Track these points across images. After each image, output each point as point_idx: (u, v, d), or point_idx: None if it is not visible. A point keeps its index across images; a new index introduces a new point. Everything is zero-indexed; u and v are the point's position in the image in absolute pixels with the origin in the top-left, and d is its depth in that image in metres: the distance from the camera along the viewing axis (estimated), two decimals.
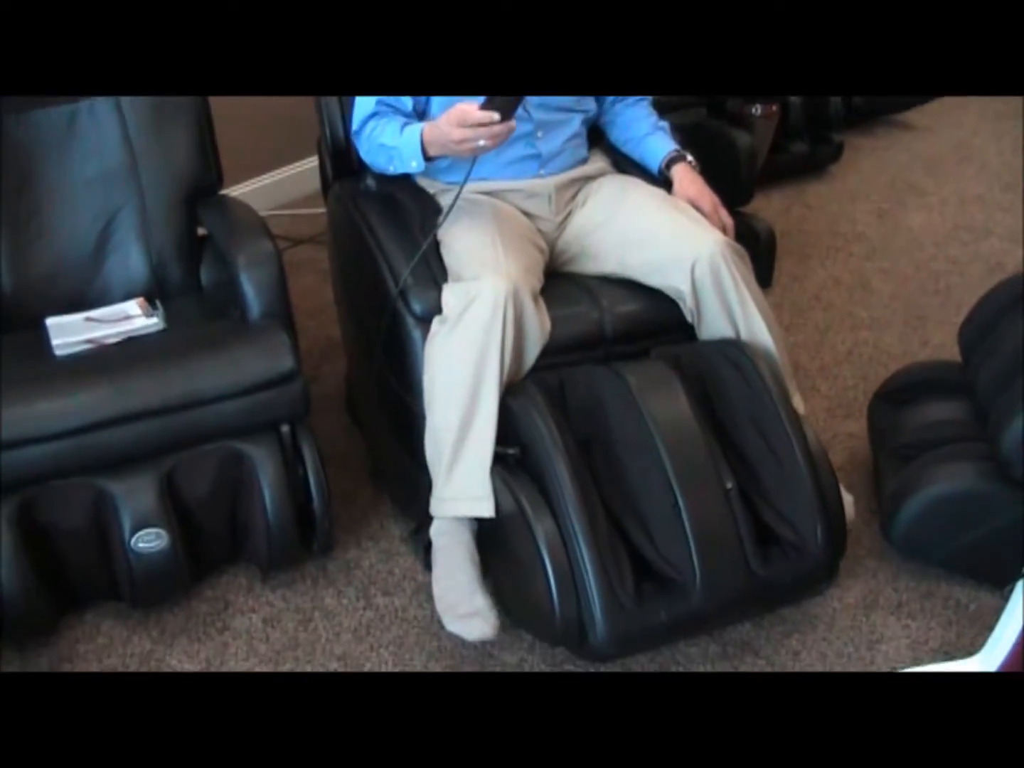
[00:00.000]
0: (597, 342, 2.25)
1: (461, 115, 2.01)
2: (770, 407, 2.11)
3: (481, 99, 1.99)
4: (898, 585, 2.38)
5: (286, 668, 2.20)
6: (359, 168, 2.49)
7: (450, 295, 2.13)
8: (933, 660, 2.19)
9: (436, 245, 2.28)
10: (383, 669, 2.19)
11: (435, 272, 2.22)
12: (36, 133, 2.41)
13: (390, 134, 2.23)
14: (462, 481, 2.13)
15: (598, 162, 2.48)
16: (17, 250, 2.39)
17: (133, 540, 2.14)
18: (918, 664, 2.14)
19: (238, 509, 2.27)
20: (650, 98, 2.55)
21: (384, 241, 2.32)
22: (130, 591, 2.22)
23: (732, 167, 3.13)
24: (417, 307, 2.20)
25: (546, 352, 2.17)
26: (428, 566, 2.24)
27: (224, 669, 2.20)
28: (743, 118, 3.35)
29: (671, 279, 2.22)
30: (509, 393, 2.10)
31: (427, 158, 2.18)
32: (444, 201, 2.34)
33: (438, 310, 2.16)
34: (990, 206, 3.91)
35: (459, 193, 2.17)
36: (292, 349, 2.21)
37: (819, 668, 2.19)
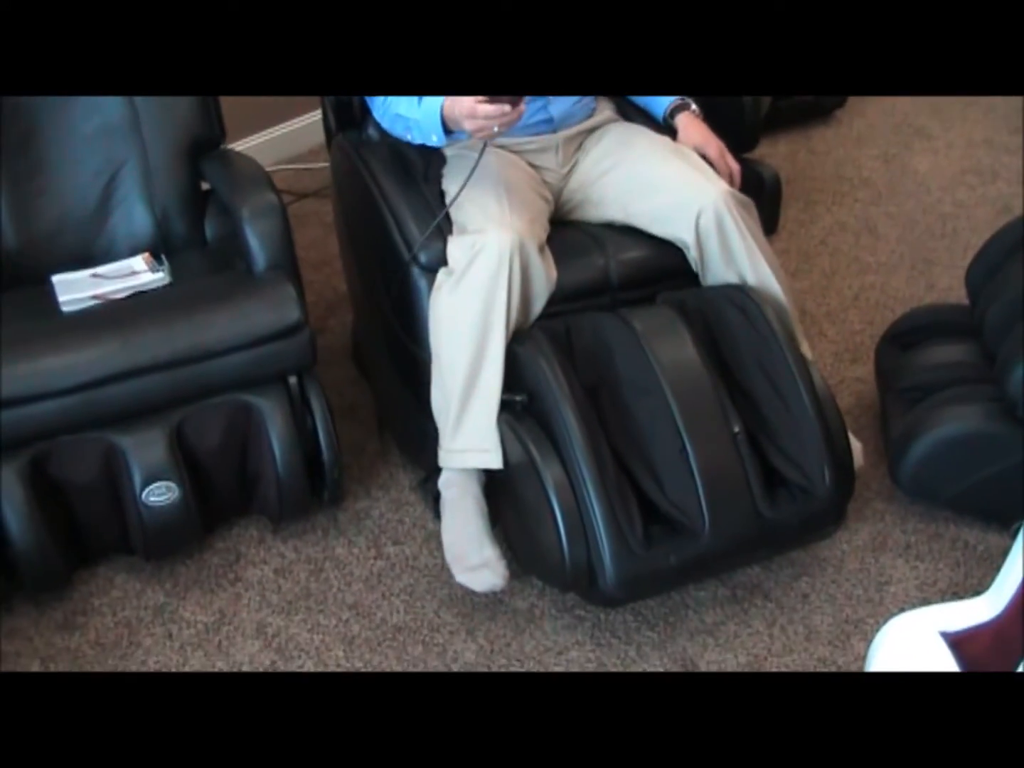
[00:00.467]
0: (603, 289, 2.25)
1: (470, 110, 2.00)
2: (776, 350, 2.11)
3: None
4: (906, 527, 2.39)
5: (298, 618, 2.22)
6: (362, 119, 2.48)
7: (455, 248, 2.13)
8: (941, 600, 2.20)
9: (441, 195, 2.28)
10: (395, 617, 2.21)
11: (441, 223, 2.22)
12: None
13: (407, 105, 2.19)
14: (470, 433, 2.14)
15: (604, 111, 2.47)
16: (21, 207, 2.39)
17: (144, 493, 2.15)
18: (927, 604, 2.15)
19: (248, 461, 2.28)
20: None
21: (388, 191, 2.31)
22: (142, 544, 2.24)
23: (736, 113, 3.11)
24: (423, 257, 2.19)
25: (552, 300, 2.17)
26: (438, 515, 2.26)
27: (237, 620, 2.22)
28: None
29: (675, 228, 2.22)
30: (516, 340, 2.10)
31: (448, 133, 2.14)
32: (450, 152, 2.33)
33: (444, 261, 2.15)
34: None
35: (477, 162, 2.14)
36: (298, 300, 2.21)
37: (828, 610, 2.20)
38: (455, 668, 2.13)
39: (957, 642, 1.60)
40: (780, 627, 2.18)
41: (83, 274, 2.35)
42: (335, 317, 3.05)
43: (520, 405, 2.08)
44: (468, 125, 2.03)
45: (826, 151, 3.86)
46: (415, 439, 2.21)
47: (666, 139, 2.38)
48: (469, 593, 2.21)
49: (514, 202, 2.15)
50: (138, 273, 2.34)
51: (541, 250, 2.16)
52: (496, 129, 2.02)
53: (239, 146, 3.41)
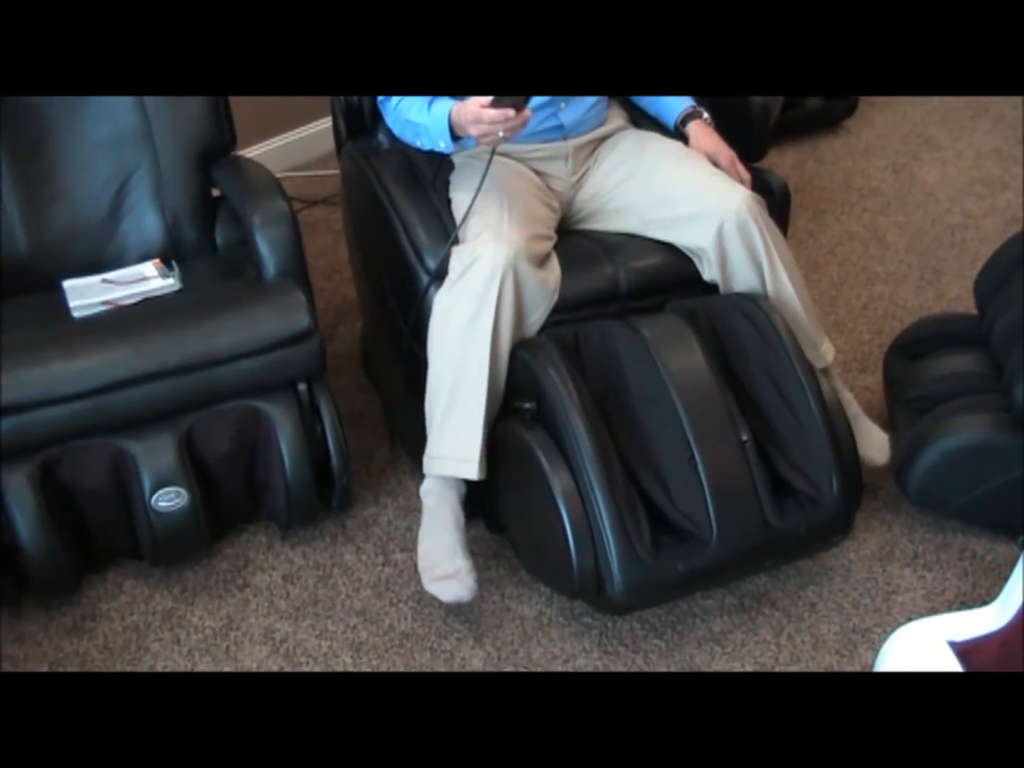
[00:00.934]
0: (612, 297, 2.25)
1: (475, 116, 2.01)
2: (785, 359, 2.12)
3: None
4: (914, 536, 2.38)
5: (306, 624, 2.22)
6: (372, 126, 2.49)
7: (454, 256, 2.14)
8: (949, 610, 2.20)
9: (449, 203, 2.29)
10: (402, 624, 2.22)
11: (448, 229, 2.22)
12: (50, 97, 2.40)
13: (416, 111, 2.20)
14: (450, 440, 2.15)
15: (616, 120, 2.47)
16: (33, 213, 2.40)
17: (153, 499, 2.16)
18: (934, 614, 2.15)
19: (257, 467, 2.29)
20: None
21: (397, 198, 2.32)
22: (151, 549, 2.24)
23: (745, 122, 3.10)
24: (430, 263, 2.20)
25: (561, 308, 2.18)
26: None
27: (245, 625, 2.22)
28: None
29: (694, 236, 2.23)
30: (524, 348, 2.11)
31: (455, 139, 2.15)
32: (458, 159, 2.34)
33: None
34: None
35: (486, 171, 2.15)
36: (308, 307, 2.22)
37: (836, 619, 2.20)
38: None
39: (964, 651, 1.61)
40: (787, 636, 2.18)
41: (94, 280, 2.36)
42: (344, 324, 3.05)
43: (529, 413, 2.08)
44: (474, 130, 2.04)
45: (835, 161, 3.86)
46: (423, 446, 2.21)
47: (680, 145, 2.39)
48: (476, 600, 2.21)
49: (515, 216, 2.15)
50: (148, 279, 2.35)
51: (543, 262, 2.18)
52: (502, 134, 2.02)
53: (249, 153, 3.42)
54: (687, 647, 2.17)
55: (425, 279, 2.20)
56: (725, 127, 2.46)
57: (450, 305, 2.11)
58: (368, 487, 2.53)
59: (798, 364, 2.12)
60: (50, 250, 2.42)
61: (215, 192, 2.54)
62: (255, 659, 2.16)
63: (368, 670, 2.14)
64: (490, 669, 2.14)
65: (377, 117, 2.43)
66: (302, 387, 2.26)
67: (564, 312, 2.18)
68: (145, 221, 2.48)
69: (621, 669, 2.13)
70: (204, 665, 2.16)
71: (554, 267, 2.20)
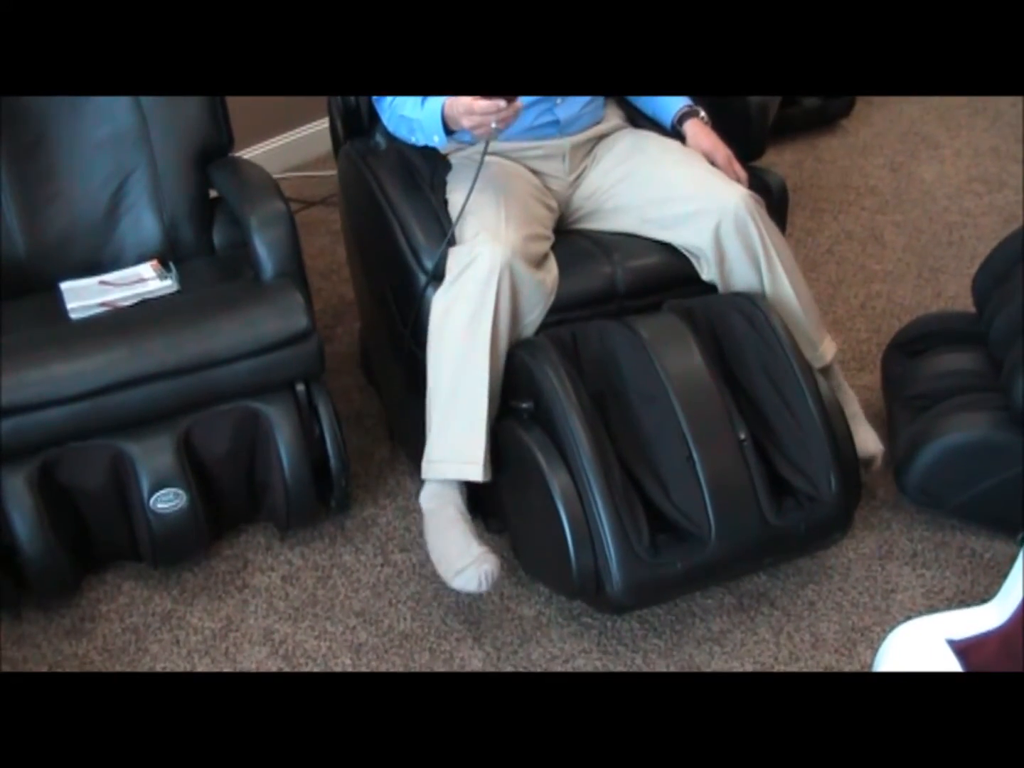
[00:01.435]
0: (610, 297, 2.25)
1: (467, 107, 2.01)
2: (782, 358, 2.12)
3: None
4: (913, 535, 2.39)
5: (305, 625, 2.22)
6: (369, 127, 2.49)
7: (451, 257, 2.14)
8: (948, 608, 2.20)
9: (446, 203, 2.29)
10: (402, 625, 2.22)
11: (446, 229, 2.22)
12: (47, 97, 2.40)
13: (411, 106, 2.21)
14: (452, 442, 2.15)
15: (613, 119, 2.47)
16: (30, 214, 2.40)
17: (152, 500, 2.16)
18: (933, 612, 2.15)
19: (255, 468, 2.29)
20: None
21: (395, 199, 2.32)
22: (150, 551, 2.24)
23: (743, 121, 3.10)
24: (428, 263, 2.20)
25: (559, 308, 2.18)
26: None
27: (244, 627, 2.22)
28: None
29: (692, 235, 2.23)
30: (522, 348, 2.11)
31: (449, 133, 2.15)
32: (455, 159, 2.34)
33: None
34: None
35: (478, 170, 2.14)
36: (306, 307, 2.22)
37: (835, 618, 2.20)
38: None
39: (964, 650, 1.61)
40: (787, 635, 2.18)
41: (91, 281, 2.36)
42: (343, 325, 3.05)
43: (526, 413, 2.08)
44: (466, 122, 2.04)
45: (832, 159, 3.86)
46: (423, 447, 2.21)
47: (678, 144, 2.39)
48: (476, 600, 2.22)
49: (512, 215, 2.15)
50: (146, 280, 2.35)
51: (540, 262, 2.18)
52: (494, 126, 2.02)
53: (247, 154, 3.42)
54: (686, 646, 2.17)
55: (423, 279, 2.20)
56: (723, 126, 2.46)
57: (448, 306, 2.11)
58: (367, 488, 2.53)
59: (796, 363, 2.12)
60: (48, 252, 2.41)
61: (213, 193, 2.54)
62: (254, 660, 2.16)
63: (367, 671, 2.14)
64: (489, 669, 2.14)
65: (374, 118, 2.43)
66: (300, 388, 2.26)
67: (562, 311, 2.18)
68: (143, 222, 2.48)
69: (621, 669, 2.13)
70: (203, 666, 2.16)
71: (551, 267, 2.20)
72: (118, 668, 2.16)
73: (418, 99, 2.19)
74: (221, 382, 2.17)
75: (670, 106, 2.45)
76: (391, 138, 2.39)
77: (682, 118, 2.43)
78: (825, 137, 4.01)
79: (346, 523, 2.45)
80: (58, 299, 2.30)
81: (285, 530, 2.40)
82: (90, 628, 2.24)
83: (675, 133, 2.44)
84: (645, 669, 2.13)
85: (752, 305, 2.18)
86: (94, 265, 2.43)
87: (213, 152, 2.52)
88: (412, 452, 2.52)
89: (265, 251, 2.28)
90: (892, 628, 1.72)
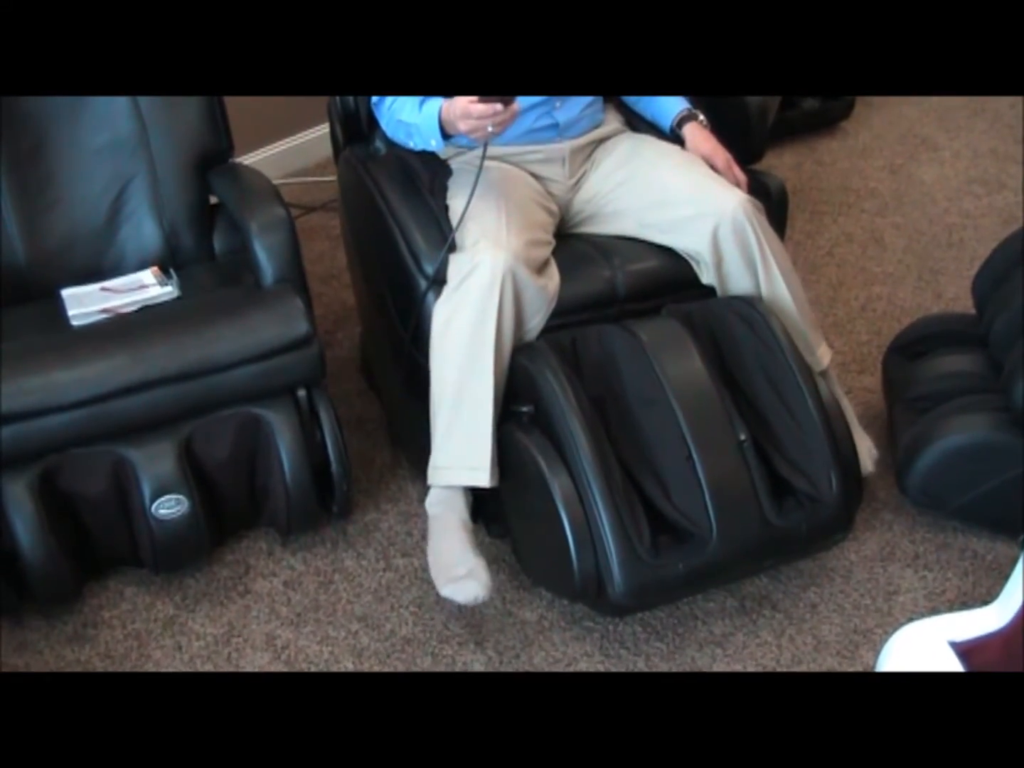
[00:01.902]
0: (610, 301, 2.26)
1: (464, 110, 2.01)
2: (782, 360, 2.12)
3: None
4: (914, 537, 2.39)
5: (307, 630, 2.22)
6: (369, 132, 2.50)
7: (453, 264, 2.14)
8: (950, 610, 2.20)
9: (446, 209, 2.29)
10: (404, 629, 2.22)
11: (446, 234, 2.22)
12: (47, 103, 2.40)
13: (408, 110, 2.21)
14: (458, 449, 2.15)
15: (612, 122, 2.47)
16: (31, 221, 2.40)
17: (154, 506, 2.16)
18: (935, 614, 2.15)
19: (257, 473, 2.29)
20: None
21: (395, 204, 2.32)
22: (152, 557, 2.24)
23: (743, 124, 3.10)
24: (428, 268, 2.20)
25: (559, 312, 2.18)
26: None
27: (246, 632, 2.22)
28: None
29: (691, 239, 2.23)
30: (522, 353, 2.11)
31: (446, 137, 2.16)
32: (455, 164, 2.35)
33: None
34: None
35: (478, 176, 2.15)
36: (307, 313, 2.22)
37: (837, 620, 2.20)
38: None
39: (966, 652, 1.61)
40: (789, 637, 2.18)
41: (92, 288, 2.36)
42: (343, 330, 3.05)
43: (527, 416, 2.08)
44: (463, 126, 2.04)
45: (832, 162, 3.86)
46: (424, 452, 2.21)
47: (677, 148, 2.39)
48: (478, 605, 2.21)
49: (513, 221, 2.15)
50: (147, 287, 2.35)
51: (541, 267, 2.18)
52: (491, 129, 2.02)
53: (247, 159, 3.42)
54: (688, 649, 2.17)
55: (423, 284, 2.20)
56: (722, 129, 2.46)
57: (451, 314, 2.11)
58: (368, 493, 2.53)
59: (795, 365, 2.13)
60: (48, 258, 2.42)
61: (213, 199, 2.54)
62: (256, 666, 2.16)
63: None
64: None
65: (374, 123, 2.44)
66: (301, 393, 2.26)
67: (562, 315, 2.19)
68: (143, 228, 2.48)
69: (623, 672, 2.13)
70: (205, 672, 2.16)
71: (553, 273, 2.20)
72: None
73: (415, 103, 2.19)
74: (222, 388, 2.17)
75: (669, 109, 2.45)
76: (391, 143, 2.39)
77: (681, 121, 2.43)
78: (824, 139, 4.02)
79: (348, 528, 2.45)
80: (59, 306, 2.30)
81: (287, 535, 2.40)
82: (92, 634, 2.24)
83: (674, 136, 2.44)
84: (647, 672, 2.13)
85: (750, 308, 2.18)
86: (95, 271, 2.43)
87: (213, 158, 2.52)
88: (413, 457, 2.53)
89: (265, 257, 2.28)
90: (894, 630, 1.72)
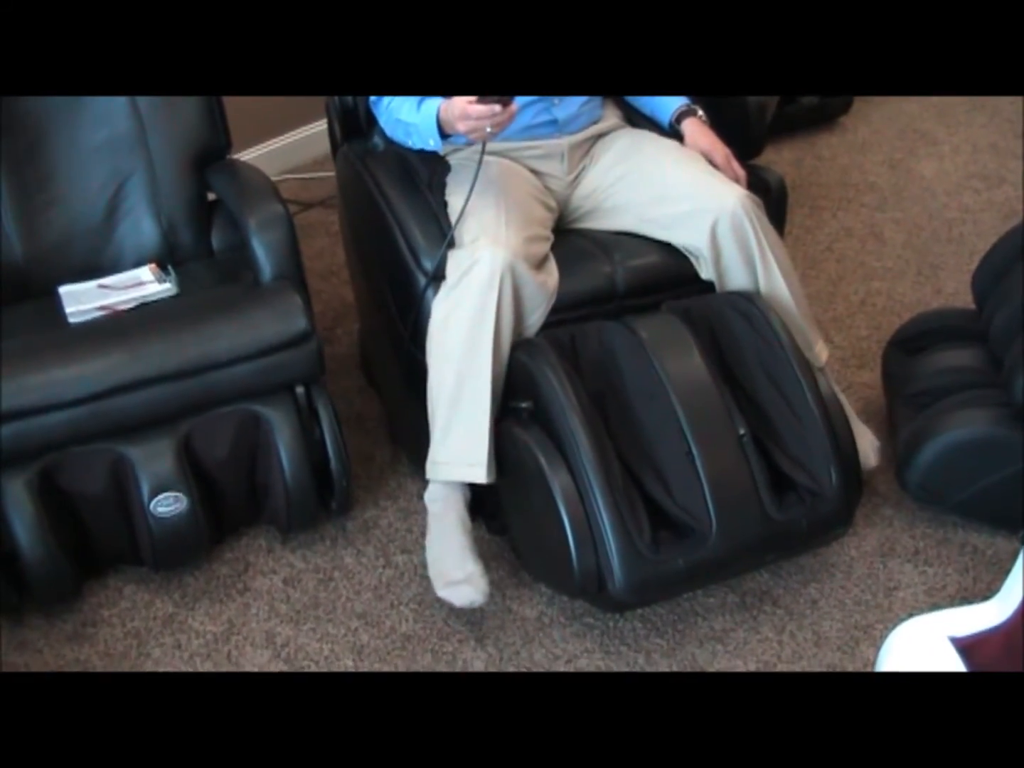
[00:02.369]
0: (609, 297, 2.25)
1: (462, 111, 2.01)
2: (781, 355, 2.12)
3: None
4: (914, 532, 2.38)
5: (307, 627, 2.22)
6: (367, 128, 2.49)
7: (451, 260, 2.14)
8: (950, 605, 2.19)
9: (445, 205, 2.28)
10: (404, 626, 2.21)
11: (445, 230, 2.22)
12: (45, 102, 2.39)
13: (407, 110, 2.21)
14: (456, 445, 2.15)
15: (611, 118, 2.47)
16: (28, 218, 2.39)
17: (153, 504, 2.16)
18: (935, 609, 2.14)
19: (256, 471, 2.29)
20: None
21: (394, 200, 2.32)
22: (151, 555, 2.24)
23: (742, 119, 3.10)
24: (427, 264, 2.20)
25: (559, 308, 2.18)
26: None
27: (246, 630, 2.22)
28: None
29: (690, 235, 2.23)
30: (521, 350, 2.11)
31: (444, 136, 2.16)
32: (453, 160, 2.34)
33: None
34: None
35: (477, 172, 2.14)
36: (305, 310, 2.22)
37: (837, 616, 2.20)
38: None
39: (967, 647, 1.60)
40: (789, 633, 2.18)
41: (90, 285, 2.36)
42: (342, 326, 3.05)
43: (526, 413, 2.08)
44: (461, 126, 2.04)
45: (831, 157, 3.86)
46: (423, 448, 2.21)
47: (676, 144, 2.39)
48: None
49: (512, 217, 2.15)
50: (145, 284, 2.35)
51: (541, 263, 2.18)
52: (489, 130, 2.02)
53: (245, 156, 3.41)
54: (689, 646, 2.16)
55: (422, 281, 2.20)
56: (721, 124, 2.46)
57: (449, 310, 2.11)
58: (368, 489, 2.53)
59: (794, 359, 2.12)
60: (46, 256, 2.41)
61: (211, 196, 2.54)
62: (256, 664, 2.16)
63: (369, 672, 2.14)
64: (492, 671, 2.13)
65: (372, 119, 2.43)
66: (300, 390, 2.26)
67: (562, 311, 2.18)
68: (141, 225, 2.48)
69: (623, 669, 2.13)
70: (205, 670, 2.16)
71: (552, 269, 2.20)
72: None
73: (414, 103, 2.19)
74: (221, 385, 2.17)
75: (668, 105, 2.45)
76: (389, 140, 2.38)
77: (680, 117, 2.43)
78: (824, 135, 4.01)
79: (347, 525, 2.45)
80: (57, 303, 2.30)
81: (286, 533, 2.40)
82: (91, 633, 2.23)
83: (673, 132, 2.43)
84: (648, 669, 2.12)
85: (749, 303, 2.18)
86: (93, 269, 2.42)
87: (211, 155, 2.51)
88: (413, 453, 2.53)
89: (264, 254, 2.27)
90: (894, 626, 1.71)
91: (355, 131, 2.53)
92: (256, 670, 2.15)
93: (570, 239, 2.32)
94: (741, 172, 2.37)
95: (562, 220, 2.39)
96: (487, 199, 2.16)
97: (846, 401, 2.41)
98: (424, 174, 2.34)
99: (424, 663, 2.15)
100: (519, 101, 2.03)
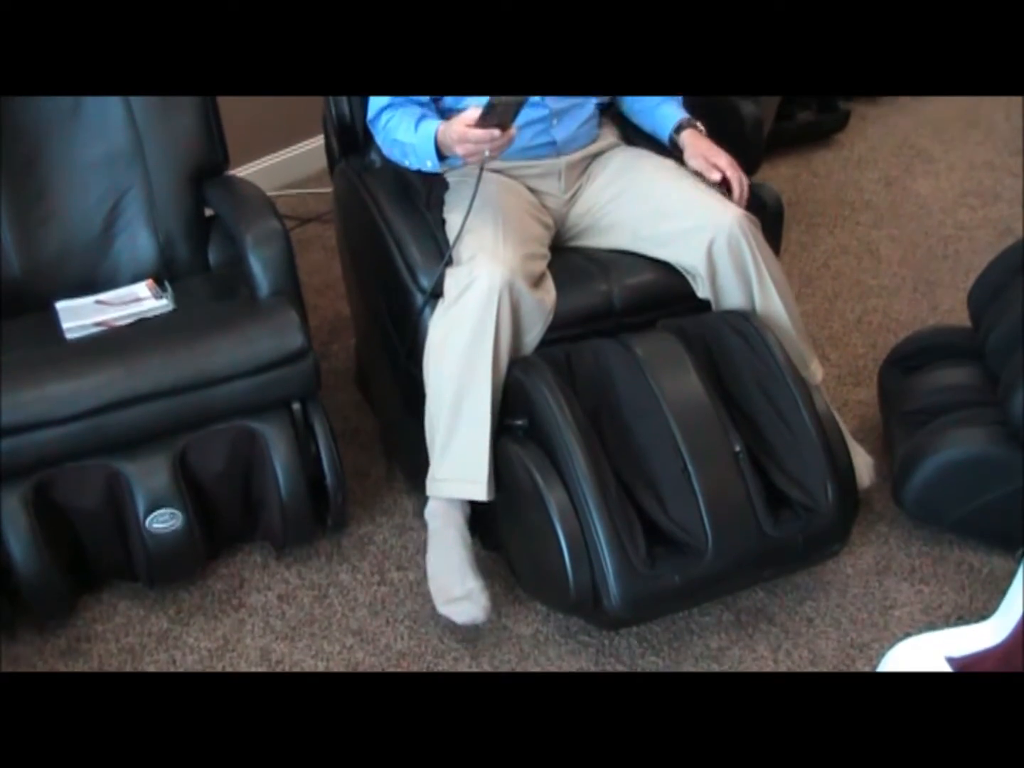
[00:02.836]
0: (606, 314, 2.25)
1: (461, 135, 2.02)
2: (776, 372, 2.12)
3: (482, 101, 1.98)
4: (911, 550, 2.38)
5: (302, 644, 2.21)
6: (365, 144, 2.50)
7: (450, 278, 2.14)
8: (947, 624, 2.20)
9: (443, 223, 2.28)
10: (399, 643, 2.21)
11: (443, 248, 2.22)
12: (42, 116, 2.40)
13: (404, 130, 2.21)
14: (456, 462, 2.15)
15: (608, 137, 2.48)
16: (25, 233, 2.39)
17: (148, 520, 2.15)
18: (932, 628, 2.14)
19: (251, 487, 2.28)
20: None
21: (391, 217, 2.32)
22: (146, 571, 2.23)
23: (739, 136, 3.11)
24: (424, 282, 2.20)
25: (556, 325, 2.18)
26: None
27: (241, 646, 2.21)
28: None
29: (686, 253, 2.23)
30: (517, 367, 2.11)
31: (441, 158, 2.16)
32: (451, 178, 2.34)
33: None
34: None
35: (475, 190, 2.14)
36: (302, 326, 2.21)
37: (833, 635, 2.20)
38: None
39: (963, 667, 1.60)
40: (785, 652, 2.17)
41: (87, 300, 2.36)
42: (338, 341, 3.05)
43: (521, 430, 2.08)
44: (459, 150, 2.05)
45: (827, 174, 3.87)
46: (419, 464, 2.21)
47: (673, 162, 2.39)
48: None
49: (510, 235, 2.15)
50: (142, 300, 2.35)
51: (537, 281, 2.18)
52: (487, 154, 2.03)
53: (242, 171, 3.42)
54: (684, 664, 2.16)
55: (419, 299, 2.20)
56: (718, 141, 2.46)
57: (448, 328, 2.11)
58: (363, 505, 2.53)
59: (789, 377, 2.13)
60: (43, 271, 2.41)
61: (208, 211, 2.54)
62: None
63: None
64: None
65: (370, 136, 2.43)
66: (296, 406, 2.25)
67: (558, 329, 2.18)
68: (138, 241, 2.48)
69: (618, 674, 2.12)
70: None
71: (549, 287, 2.20)
72: None
73: (412, 123, 2.19)
74: (217, 401, 2.17)
75: (668, 119, 2.44)
76: (386, 156, 2.39)
77: (679, 128, 2.42)
78: (820, 151, 4.03)
79: (342, 541, 2.44)
80: (54, 318, 2.30)
81: (281, 549, 2.39)
82: (86, 648, 2.23)
83: (673, 145, 2.43)
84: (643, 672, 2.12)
85: (745, 321, 2.18)
86: (89, 284, 2.42)
87: (208, 171, 2.52)
88: (408, 470, 2.52)
89: (260, 270, 2.27)
90: (891, 645, 1.72)
91: (353, 147, 2.54)
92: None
93: (567, 257, 2.32)
94: (745, 180, 2.36)
95: (559, 238, 2.39)
96: (485, 217, 2.17)
97: (841, 419, 2.41)
98: (422, 191, 2.34)
99: None
100: (518, 122, 2.03)
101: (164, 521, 2.16)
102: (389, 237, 2.29)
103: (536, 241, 2.24)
